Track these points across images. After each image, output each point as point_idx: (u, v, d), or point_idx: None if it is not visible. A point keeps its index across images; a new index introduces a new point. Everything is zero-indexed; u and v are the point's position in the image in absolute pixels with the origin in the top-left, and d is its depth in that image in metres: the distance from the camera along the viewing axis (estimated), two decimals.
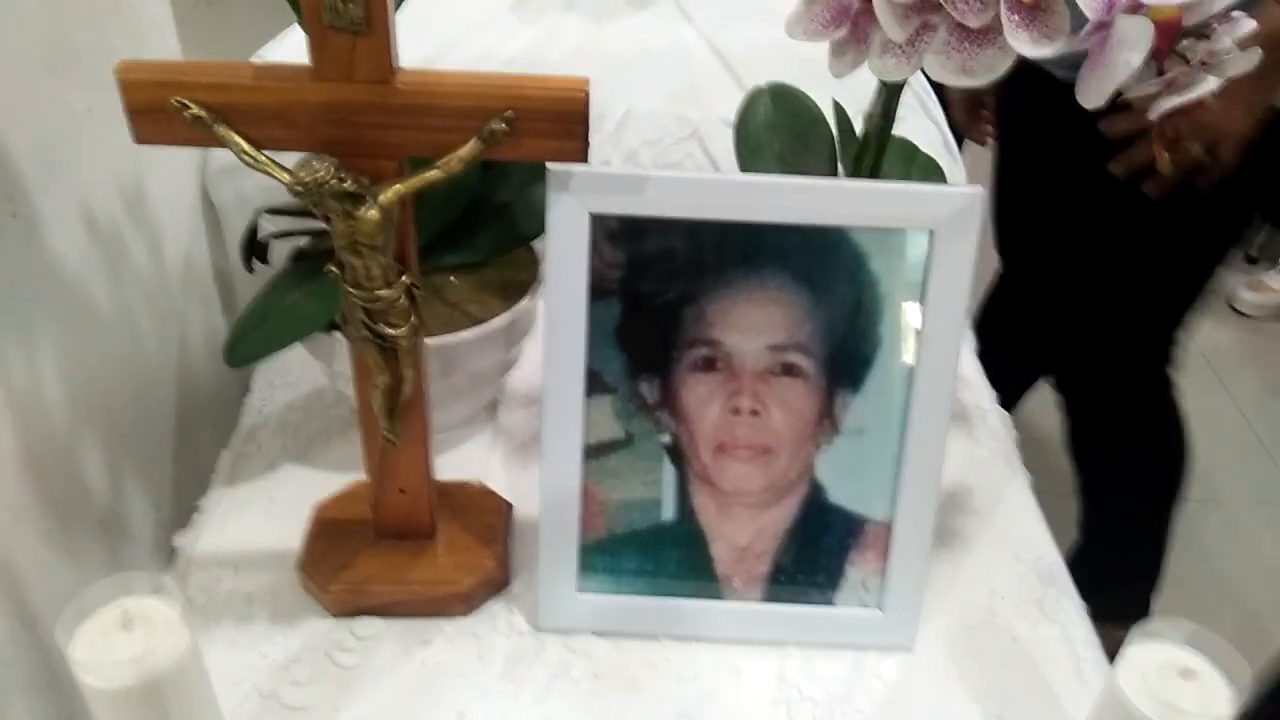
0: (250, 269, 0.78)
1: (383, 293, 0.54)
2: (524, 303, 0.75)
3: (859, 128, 0.73)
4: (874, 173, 0.71)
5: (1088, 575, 1.24)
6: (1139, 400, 1.26)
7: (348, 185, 0.50)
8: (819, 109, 0.80)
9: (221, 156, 0.99)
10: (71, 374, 0.75)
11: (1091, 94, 0.53)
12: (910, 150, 0.82)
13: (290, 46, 1.02)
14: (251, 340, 0.71)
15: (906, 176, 0.80)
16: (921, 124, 1.05)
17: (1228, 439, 1.70)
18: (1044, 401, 1.42)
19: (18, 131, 0.68)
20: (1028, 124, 1.23)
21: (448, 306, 0.75)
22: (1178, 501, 1.32)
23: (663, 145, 1.01)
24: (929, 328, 0.62)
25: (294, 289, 0.72)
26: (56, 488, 0.74)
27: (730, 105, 0.92)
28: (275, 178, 0.51)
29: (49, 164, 0.72)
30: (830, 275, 0.61)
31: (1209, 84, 0.53)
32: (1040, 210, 1.25)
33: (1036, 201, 1.26)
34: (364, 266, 0.53)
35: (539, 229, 0.76)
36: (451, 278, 0.77)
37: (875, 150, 0.70)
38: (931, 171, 0.81)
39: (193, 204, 0.96)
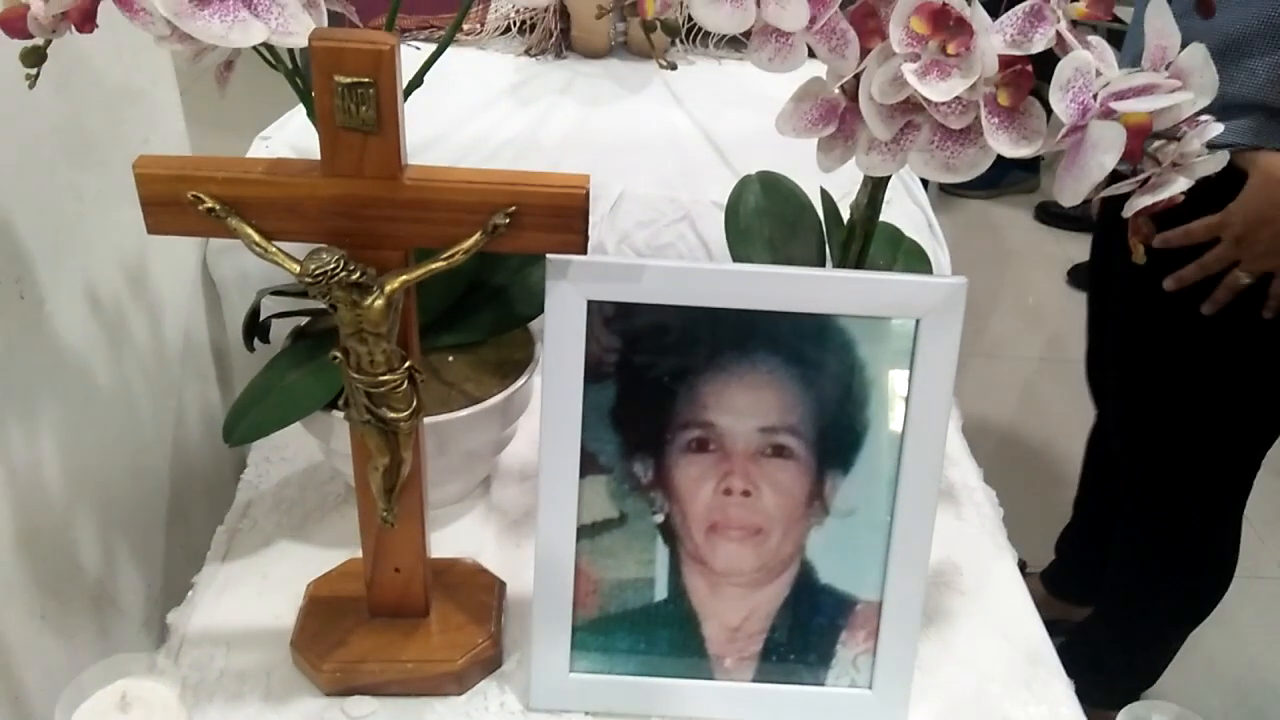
0: (252, 348, 0.80)
1: (386, 378, 0.56)
2: (520, 382, 0.76)
3: (845, 213, 0.76)
4: (861, 260, 0.73)
5: (1087, 656, 1.23)
6: (1203, 524, 1.20)
7: (355, 276, 0.52)
8: (806, 196, 0.83)
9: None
10: (70, 450, 0.76)
11: (1068, 193, 0.56)
12: (896, 236, 0.85)
13: (294, 128, 1.05)
14: (251, 419, 0.72)
15: (892, 261, 0.82)
16: (906, 208, 1.08)
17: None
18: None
19: (29, 214, 0.70)
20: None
21: (445, 385, 0.76)
22: (1199, 624, 1.29)
23: (656, 227, 1.04)
24: (916, 412, 0.63)
25: (293, 368, 0.74)
26: (50, 564, 0.74)
27: (721, 189, 0.95)
28: (285, 268, 0.53)
29: (57, 245, 0.74)
30: (820, 360, 0.63)
31: (1179, 184, 0.56)
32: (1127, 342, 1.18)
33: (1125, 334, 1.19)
34: (368, 353, 0.55)
35: (535, 310, 0.78)
36: (449, 357, 0.79)
37: (862, 238, 0.73)
38: (916, 257, 0.84)
39: (193, 281, 0.98)
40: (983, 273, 2.52)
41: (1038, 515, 1.61)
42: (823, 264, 0.81)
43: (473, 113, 1.14)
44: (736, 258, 0.81)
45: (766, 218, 0.82)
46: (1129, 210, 0.57)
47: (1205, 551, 1.23)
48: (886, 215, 0.76)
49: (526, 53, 1.31)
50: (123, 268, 0.84)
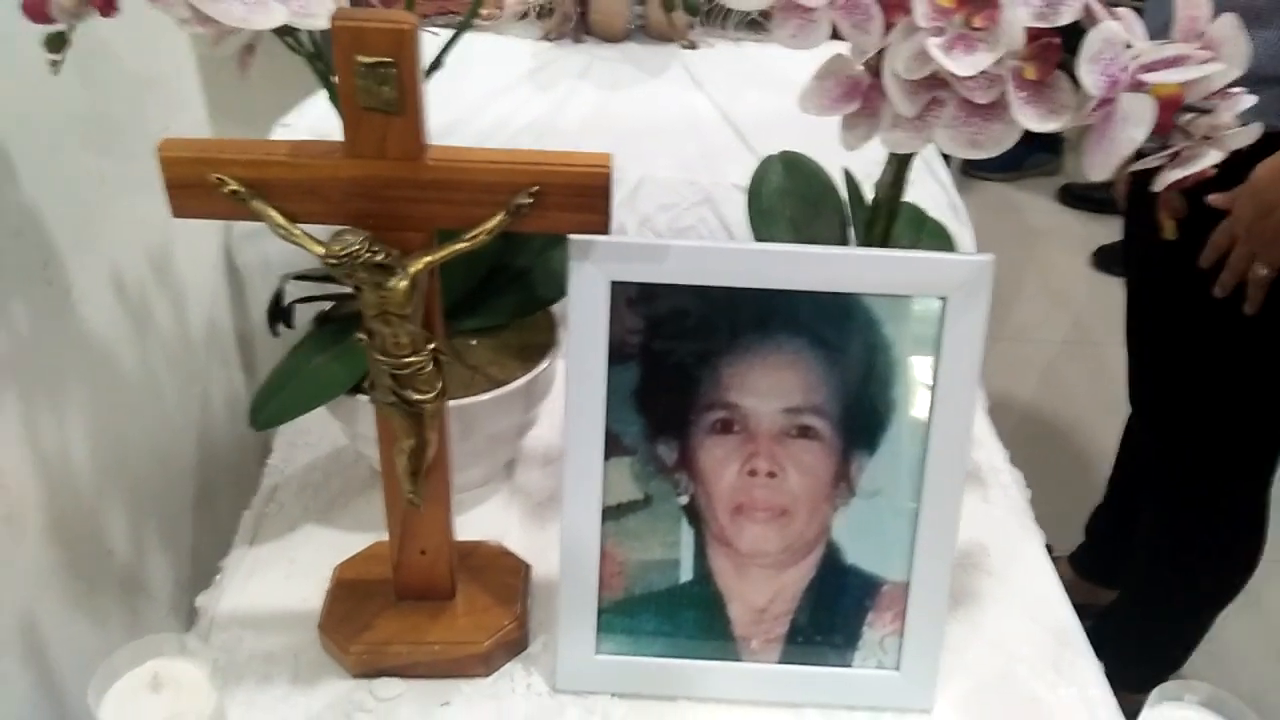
0: (276, 333, 0.80)
1: (410, 359, 0.56)
2: (543, 365, 0.76)
3: (868, 194, 0.75)
4: (885, 239, 0.73)
5: (1115, 639, 1.23)
6: (1229, 505, 1.19)
7: (379, 257, 0.52)
8: (829, 176, 0.82)
9: (246, 221, 1.01)
10: (98, 437, 0.77)
11: (1097, 168, 0.55)
12: (919, 216, 0.84)
13: (314, 115, 1.05)
14: (276, 404, 0.72)
15: (916, 242, 0.81)
16: (929, 188, 1.07)
17: None
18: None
19: (54, 202, 0.71)
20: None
21: (468, 369, 0.76)
22: (1226, 607, 1.28)
23: (677, 210, 1.03)
24: (942, 391, 0.63)
25: (318, 352, 0.74)
26: (80, 550, 0.75)
27: (742, 171, 0.94)
28: (309, 250, 0.53)
29: (82, 232, 0.74)
30: (845, 340, 0.62)
31: (1211, 157, 0.55)
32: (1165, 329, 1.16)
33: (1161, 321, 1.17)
34: (392, 334, 0.55)
35: (558, 293, 0.78)
36: (472, 341, 0.79)
37: (886, 217, 0.72)
38: (940, 237, 0.83)
39: (217, 267, 0.98)
40: (1006, 255, 2.47)
41: (1064, 498, 1.59)
42: (846, 244, 0.80)
43: (491, 98, 1.14)
44: (759, 238, 0.81)
45: (789, 198, 0.81)
46: (1159, 185, 0.56)
47: (1231, 533, 1.22)
48: (909, 196, 0.76)
49: (545, 37, 1.30)
50: (147, 255, 0.84)
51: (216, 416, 0.96)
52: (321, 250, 0.52)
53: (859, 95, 0.61)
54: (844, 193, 0.80)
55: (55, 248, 0.71)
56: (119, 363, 0.80)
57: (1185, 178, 0.55)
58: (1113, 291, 1.21)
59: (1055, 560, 0.86)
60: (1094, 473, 1.77)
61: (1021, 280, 2.41)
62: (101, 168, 0.77)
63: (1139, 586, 1.33)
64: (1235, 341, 1.04)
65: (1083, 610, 0.80)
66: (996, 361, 2.04)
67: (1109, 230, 2.46)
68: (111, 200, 0.79)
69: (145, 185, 0.80)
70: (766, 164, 0.82)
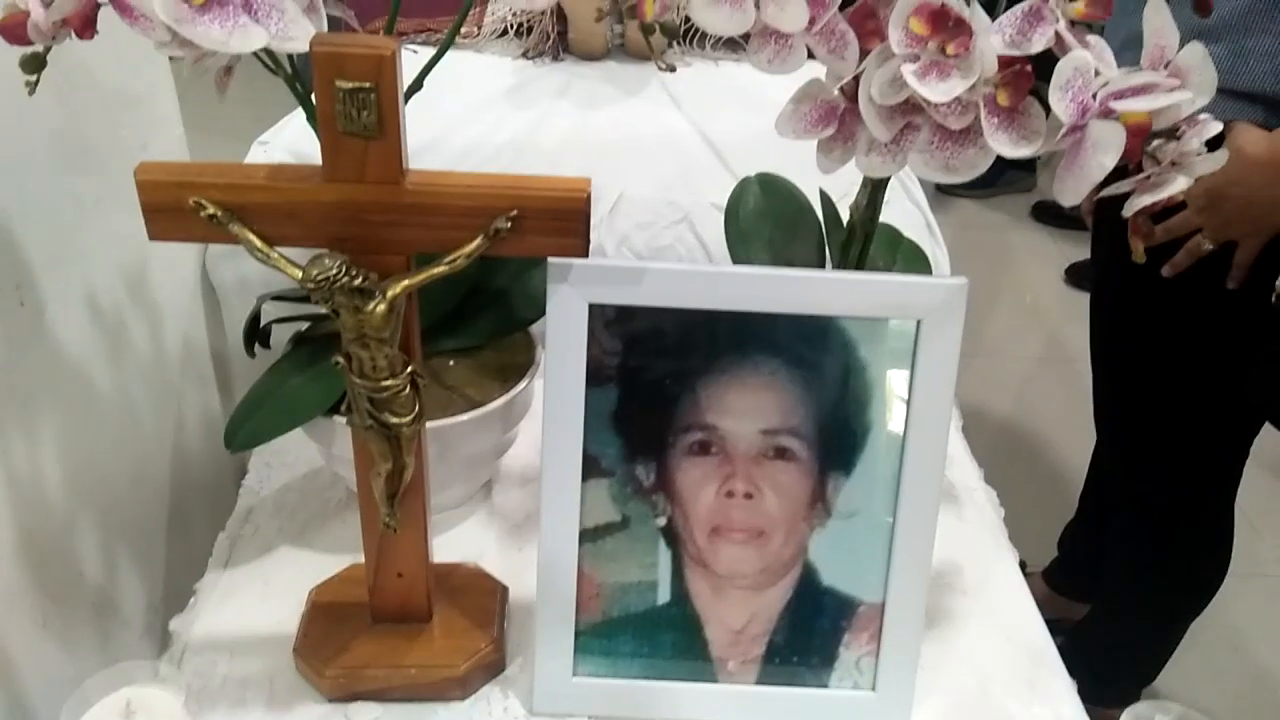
0: (253, 354, 0.79)
1: (388, 383, 0.56)
2: (521, 385, 0.76)
3: (845, 214, 0.76)
4: (861, 261, 0.73)
5: (1087, 653, 1.24)
6: (1194, 516, 1.20)
7: (357, 281, 0.52)
8: (806, 198, 0.83)
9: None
10: (70, 457, 0.76)
11: (1068, 193, 0.56)
12: (895, 237, 0.85)
13: (292, 132, 1.05)
14: (252, 425, 0.72)
15: (892, 262, 0.82)
16: (904, 207, 1.08)
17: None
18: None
19: (29, 221, 0.70)
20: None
21: (446, 390, 0.76)
22: (1195, 618, 1.30)
23: (655, 229, 1.04)
24: (917, 413, 0.63)
25: (295, 373, 0.73)
26: (51, 571, 0.74)
27: (719, 190, 0.95)
28: (287, 274, 0.53)
29: (57, 252, 0.74)
30: (821, 362, 0.63)
31: (1179, 183, 0.56)
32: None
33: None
34: (370, 358, 0.55)
35: (536, 314, 0.78)
36: (450, 361, 0.79)
37: (862, 239, 0.73)
38: (915, 257, 0.84)
39: (193, 286, 0.98)
40: (980, 272, 2.52)
41: (1038, 514, 1.61)
42: (823, 265, 0.81)
43: (470, 116, 1.14)
44: (737, 259, 0.81)
45: (766, 219, 0.82)
46: (1129, 210, 0.57)
47: (1199, 542, 1.24)
48: (885, 216, 0.76)
49: (524, 55, 1.31)
50: (123, 274, 0.84)
51: (191, 436, 0.95)
52: (299, 274, 0.52)
53: (835, 120, 0.62)
54: (821, 214, 0.81)
55: (29, 267, 0.70)
56: (93, 382, 0.79)
57: (1154, 203, 0.56)
58: (1086, 308, 1.23)
59: (1029, 576, 0.87)
60: (1067, 488, 1.78)
61: (996, 297, 2.44)
62: (77, 186, 0.77)
63: (1110, 601, 1.34)
64: (1198, 356, 1.06)
65: (1056, 625, 0.81)
66: (971, 377, 2.05)
67: (1082, 247, 2.48)
68: (87, 219, 0.78)
69: (122, 203, 0.79)
70: (743, 185, 0.82)
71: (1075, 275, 2.46)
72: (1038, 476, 1.89)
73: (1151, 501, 1.21)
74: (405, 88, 0.57)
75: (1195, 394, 1.09)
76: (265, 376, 0.73)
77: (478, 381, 0.77)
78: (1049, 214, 2.72)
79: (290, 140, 1.05)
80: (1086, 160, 0.54)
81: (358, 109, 0.50)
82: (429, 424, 0.65)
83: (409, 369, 0.57)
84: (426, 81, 0.67)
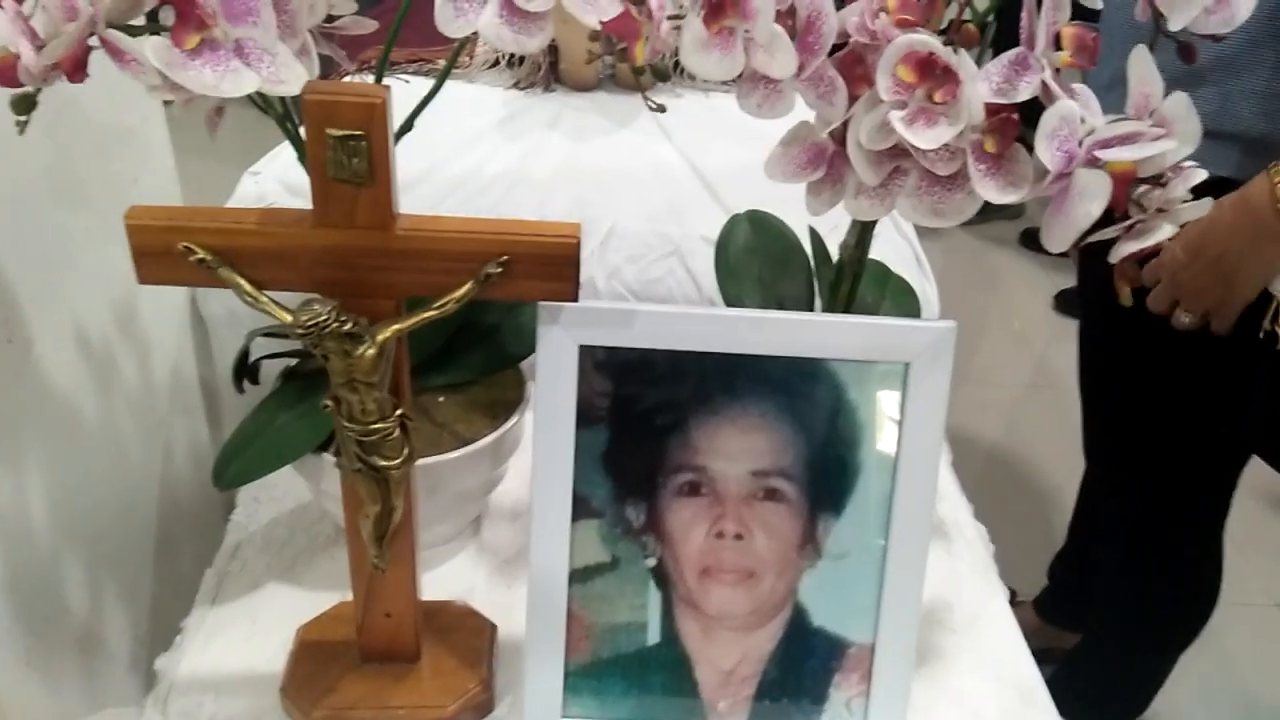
0: (241, 390, 0.79)
1: (378, 426, 0.56)
2: (510, 422, 0.76)
3: (834, 249, 0.76)
4: (850, 300, 0.74)
5: (1078, 684, 1.23)
6: (1183, 546, 1.21)
7: (347, 326, 0.52)
8: (795, 235, 0.83)
9: None
10: (56, 493, 0.75)
11: (1055, 240, 0.56)
12: (884, 273, 0.85)
13: (283, 163, 1.05)
14: (241, 463, 0.71)
15: (880, 300, 0.83)
16: (893, 240, 1.08)
17: None
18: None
19: (18, 255, 0.70)
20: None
21: (435, 427, 0.76)
22: (1186, 649, 1.29)
23: (645, 262, 1.04)
24: (906, 454, 0.63)
25: (284, 410, 0.73)
26: (35, 607, 0.74)
27: (709, 223, 0.95)
28: (276, 318, 0.53)
29: (47, 286, 0.74)
30: (811, 404, 0.63)
31: (1164, 230, 0.57)
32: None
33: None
34: (360, 401, 0.55)
35: (526, 350, 0.78)
36: (440, 398, 0.78)
37: (851, 278, 0.73)
38: (904, 294, 0.84)
39: (182, 319, 0.98)
40: (969, 299, 2.53)
41: (1027, 542, 1.61)
42: (812, 302, 0.81)
43: (461, 147, 1.14)
44: (727, 296, 0.81)
45: (756, 256, 0.82)
46: (1115, 256, 0.58)
47: (1187, 573, 1.24)
48: (873, 250, 0.77)
49: (515, 86, 1.31)
50: (111, 307, 0.84)
51: (180, 470, 0.95)
52: (289, 319, 0.52)
53: (824, 163, 0.62)
54: (810, 251, 0.81)
55: (17, 304, 0.70)
56: (81, 416, 0.79)
57: (1140, 250, 0.57)
58: (1074, 335, 1.23)
59: (1019, 605, 0.87)
60: (1057, 516, 1.79)
61: (984, 323, 2.45)
62: (66, 221, 0.77)
63: (1101, 630, 1.34)
64: (1187, 389, 1.06)
65: (1047, 654, 0.81)
66: (959, 404, 2.05)
67: (1070, 275, 2.50)
68: (76, 254, 0.78)
69: (110, 238, 0.79)
70: (733, 223, 0.83)
71: (1064, 302, 2.47)
72: (1027, 504, 1.90)
73: (1142, 531, 1.22)
74: (397, 126, 0.57)
75: (1184, 426, 1.09)
76: (254, 413, 0.73)
77: (467, 418, 0.77)
78: (1037, 241, 2.72)
79: (281, 170, 1.05)
80: (1073, 208, 0.54)
81: (348, 156, 0.50)
82: (419, 463, 0.65)
83: (398, 412, 0.57)
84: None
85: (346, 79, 0.91)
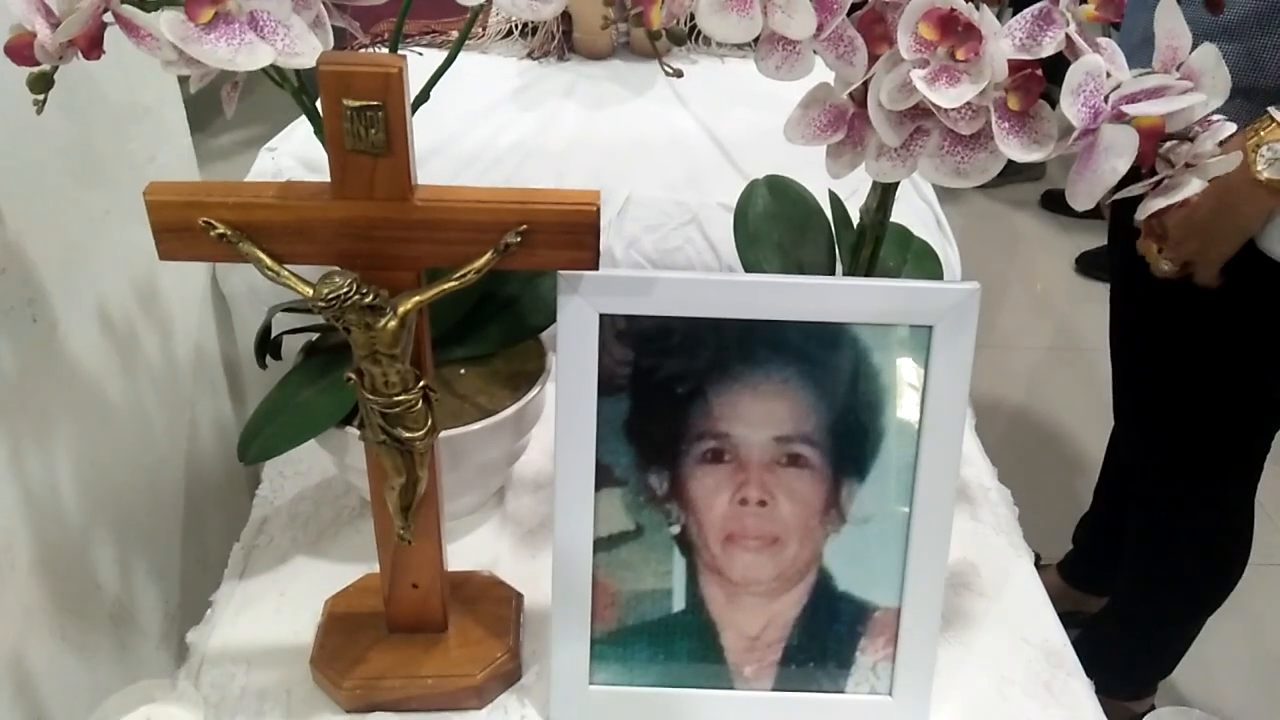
0: (264, 365, 0.80)
1: (401, 398, 0.56)
2: (532, 393, 0.76)
3: (854, 212, 0.76)
4: (872, 263, 0.73)
5: (1104, 646, 1.23)
6: (1214, 508, 1.19)
7: (368, 299, 0.52)
8: (815, 199, 0.82)
9: None
10: (85, 471, 0.76)
11: (1081, 198, 0.55)
12: (905, 236, 0.84)
13: (299, 139, 1.05)
14: (265, 438, 0.72)
15: (902, 263, 0.82)
16: (914, 204, 1.07)
17: None
18: None
19: (40, 236, 0.70)
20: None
21: (457, 399, 0.76)
22: (1214, 612, 1.28)
23: (664, 231, 1.03)
24: (930, 418, 0.63)
25: (306, 385, 0.74)
26: (68, 584, 0.75)
27: (727, 190, 0.94)
28: (297, 292, 0.53)
29: (69, 266, 0.74)
30: (833, 369, 0.63)
31: (1193, 185, 0.56)
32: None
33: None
34: (382, 374, 0.55)
35: (546, 321, 0.78)
36: (461, 370, 0.78)
37: (872, 242, 0.72)
38: (926, 257, 0.83)
39: (203, 295, 0.98)
40: (990, 262, 2.51)
41: (1052, 506, 1.61)
42: (833, 266, 0.80)
43: (476, 119, 1.14)
44: (746, 263, 0.81)
45: (775, 221, 0.82)
46: (1142, 213, 0.57)
47: (1217, 536, 1.23)
48: (894, 213, 0.76)
49: (529, 55, 1.31)
50: (133, 285, 0.84)
51: (205, 446, 0.96)
52: (310, 292, 0.52)
53: (844, 124, 0.62)
54: (831, 215, 0.81)
55: (40, 284, 0.71)
56: (106, 395, 0.80)
57: (1168, 206, 0.56)
58: (1096, 296, 1.22)
59: (1044, 569, 0.86)
60: (1081, 479, 1.78)
61: (1005, 287, 2.43)
62: (86, 200, 0.77)
63: (1127, 593, 1.34)
64: (1217, 345, 1.05)
65: (1072, 618, 0.81)
66: (982, 369, 2.04)
67: (1092, 236, 2.48)
68: (96, 233, 0.78)
69: (130, 216, 0.80)
70: (751, 188, 0.82)
71: (1086, 264, 2.45)
72: (1051, 468, 1.89)
73: (1171, 494, 1.21)
74: (412, 98, 0.57)
75: (1217, 388, 1.08)
76: (277, 388, 0.73)
77: (489, 389, 0.77)
78: (1059, 203, 2.70)
79: (298, 146, 1.05)
80: (1099, 165, 0.53)
81: (365, 127, 0.50)
82: (442, 434, 0.65)
83: (421, 384, 0.57)
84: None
85: (360, 52, 0.91)
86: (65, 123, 0.74)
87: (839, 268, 0.79)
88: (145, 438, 0.86)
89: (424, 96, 0.66)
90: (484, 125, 1.14)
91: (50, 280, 0.71)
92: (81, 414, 0.76)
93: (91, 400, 0.78)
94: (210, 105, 0.72)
